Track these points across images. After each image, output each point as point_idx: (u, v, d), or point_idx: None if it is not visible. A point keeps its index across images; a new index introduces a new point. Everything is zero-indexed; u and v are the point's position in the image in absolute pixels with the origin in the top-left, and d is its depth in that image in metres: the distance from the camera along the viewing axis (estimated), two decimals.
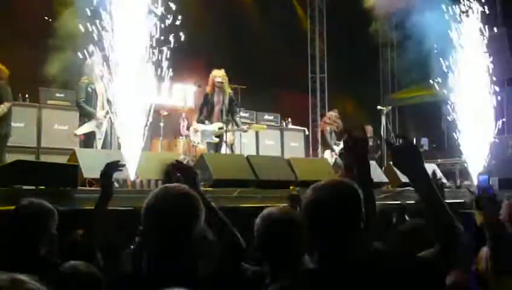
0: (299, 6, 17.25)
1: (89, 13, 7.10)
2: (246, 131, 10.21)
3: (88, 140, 8.36)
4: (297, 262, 2.78)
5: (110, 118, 8.17)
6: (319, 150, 13.39)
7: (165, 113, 11.09)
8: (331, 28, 17.20)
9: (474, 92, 11.95)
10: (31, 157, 9.36)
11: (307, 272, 2.43)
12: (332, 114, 12.81)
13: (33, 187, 5.40)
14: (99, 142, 8.37)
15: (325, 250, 2.31)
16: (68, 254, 3.22)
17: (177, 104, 12.16)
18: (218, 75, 9.52)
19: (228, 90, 9.68)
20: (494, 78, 12.21)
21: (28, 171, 5.57)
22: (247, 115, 12.77)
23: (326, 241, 2.30)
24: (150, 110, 7.46)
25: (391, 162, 2.49)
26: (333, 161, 11.73)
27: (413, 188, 2.48)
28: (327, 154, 12.25)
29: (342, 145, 12.73)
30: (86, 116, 8.45)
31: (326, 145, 12.52)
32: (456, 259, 2.47)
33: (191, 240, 2.30)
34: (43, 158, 9.52)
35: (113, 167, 3.40)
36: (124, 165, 3.68)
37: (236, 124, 9.77)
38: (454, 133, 11.97)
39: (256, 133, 12.95)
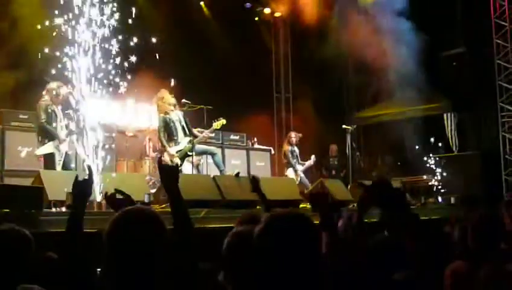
0: (264, 26, 17.38)
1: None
2: (212, 134, 10.36)
3: (49, 162, 8.20)
4: None
5: (74, 139, 8.09)
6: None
7: (131, 134, 11.04)
8: (295, 47, 17.34)
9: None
10: None
11: None
12: (292, 134, 13.04)
13: None
14: (58, 164, 8.23)
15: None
16: (44, 277, 3.17)
17: (142, 125, 12.12)
18: (169, 96, 9.53)
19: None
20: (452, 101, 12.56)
21: None
22: (212, 135, 12.75)
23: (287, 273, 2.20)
24: (114, 131, 7.46)
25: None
26: (298, 179, 11.93)
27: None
28: (290, 172, 12.43)
29: (308, 164, 12.90)
30: (47, 137, 8.29)
31: (290, 165, 12.66)
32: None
33: (153, 265, 2.24)
34: (7, 181, 9.34)
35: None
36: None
37: (196, 136, 9.67)
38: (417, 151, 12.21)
39: (222, 154, 12.94)
